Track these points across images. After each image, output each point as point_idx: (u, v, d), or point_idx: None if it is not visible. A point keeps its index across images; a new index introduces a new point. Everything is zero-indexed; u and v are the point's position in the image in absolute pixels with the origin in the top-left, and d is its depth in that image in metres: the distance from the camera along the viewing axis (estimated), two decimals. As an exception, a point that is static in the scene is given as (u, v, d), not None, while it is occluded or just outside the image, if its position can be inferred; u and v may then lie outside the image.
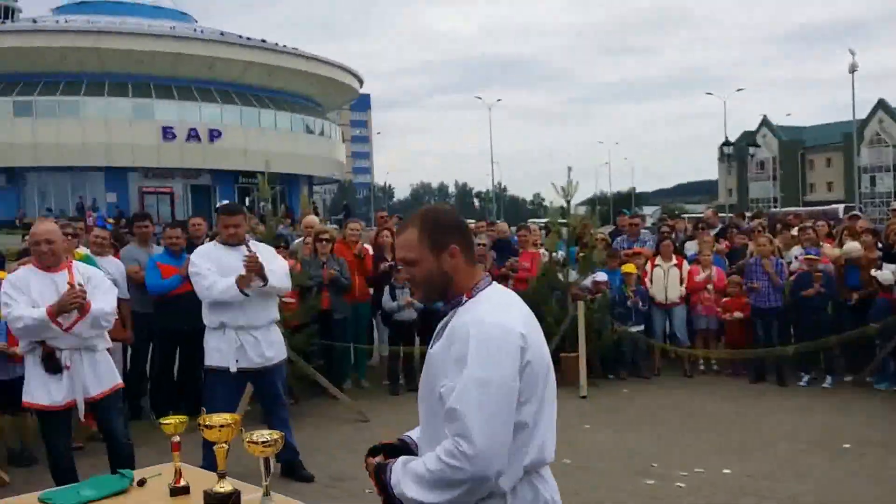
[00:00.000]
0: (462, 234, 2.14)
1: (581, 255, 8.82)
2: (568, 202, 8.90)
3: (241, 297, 5.08)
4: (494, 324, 1.97)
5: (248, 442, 2.81)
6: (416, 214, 2.19)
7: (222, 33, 44.25)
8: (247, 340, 5.15)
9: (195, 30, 44.36)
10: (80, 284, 4.41)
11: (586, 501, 4.93)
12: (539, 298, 8.01)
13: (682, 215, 20.67)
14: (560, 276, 8.61)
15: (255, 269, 5.05)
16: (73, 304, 4.34)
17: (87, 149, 38.50)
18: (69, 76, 39.39)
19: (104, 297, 4.55)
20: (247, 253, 5.10)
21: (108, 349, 4.73)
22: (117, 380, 4.71)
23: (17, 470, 5.58)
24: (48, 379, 4.43)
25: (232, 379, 5.15)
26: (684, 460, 5.68)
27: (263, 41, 44.55)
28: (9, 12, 46.14)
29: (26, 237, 6.89)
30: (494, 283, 2.16)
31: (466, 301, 2.10)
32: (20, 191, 41.00)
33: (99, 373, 4.57)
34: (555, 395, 2.11)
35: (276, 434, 2.82)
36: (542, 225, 11.63)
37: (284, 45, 45.15)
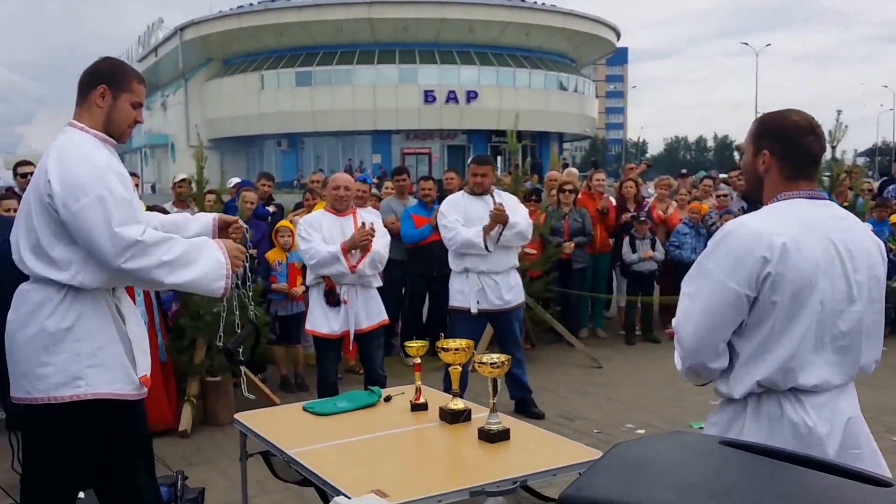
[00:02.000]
0: (783, 143, 2.12)
1: (844, 204, 8.20)
2: (833, 148, 8.28)
3: (483, 252, 5.39)
4: (746, 226, 2.03)
5: (478, 363, 3.05)
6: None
7: (484, -5, 45.17)
8: (487, 284, 5.47)
9: (459, -7, 45.61)
10: (370, 224, 4.97)
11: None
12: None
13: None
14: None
15: (502, 219, 5.33)
16: (362, 241, 4.90)
17: (357, 114, 41.19)
18: (344, 47, 42.00)
19: (380, 241, 5.07)
20: (494, 204, 5.38)
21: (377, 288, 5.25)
22: (384, 316, 5.22)
23: (287, 395, 6.24)
24: (328, 311, 5.02)
25: (472, 318, 5.50)
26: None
27: (522, 0, 44.90)
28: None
29: (305, 195, 7.78)
30: (799, 198, 2.09)
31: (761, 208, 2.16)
32: (298, 154, 44.99)
33: (370, 308, 5.12)
34: (844, 322, 2.04)
35: (503, 357, 3.05)
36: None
37: (543, 3, 45.17)
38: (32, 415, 2.71)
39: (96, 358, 2.70)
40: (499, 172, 9.50)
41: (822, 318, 2.00)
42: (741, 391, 2.07)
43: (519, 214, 5.51)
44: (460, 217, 5.47)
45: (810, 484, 1.10)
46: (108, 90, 2.78)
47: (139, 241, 2.58)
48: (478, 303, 5.47)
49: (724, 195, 8.92)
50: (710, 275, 2.03)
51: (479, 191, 5.53)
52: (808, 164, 2.12)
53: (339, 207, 5.10)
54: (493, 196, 5.51)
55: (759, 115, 2.24)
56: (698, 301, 2.05)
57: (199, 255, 2.72)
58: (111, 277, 2.69)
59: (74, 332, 2.67)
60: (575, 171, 10.91)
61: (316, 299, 5.12)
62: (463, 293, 5.52)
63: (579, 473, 2.56)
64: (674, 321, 2.18)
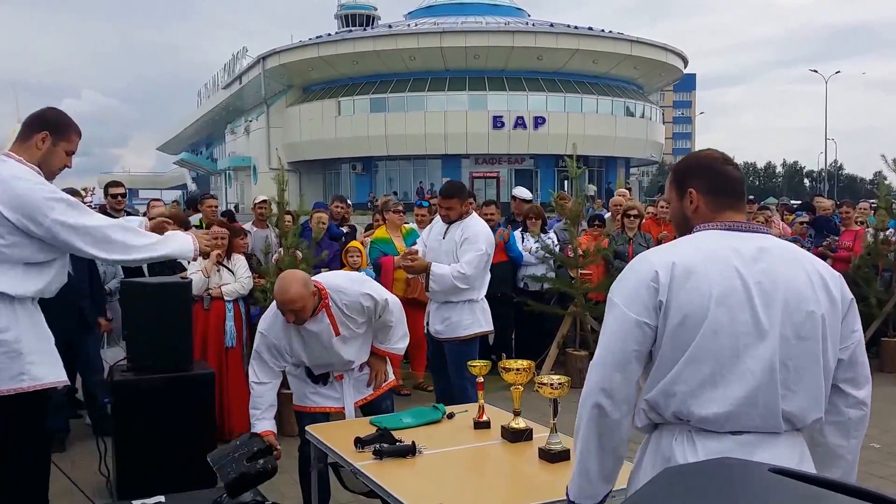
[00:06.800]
0: (705, 176, 2.09)
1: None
2: (896, 174, 8.16)
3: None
4: (641, 258, 2.04)
5: (539, 384, 3.08)
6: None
7: (551, 24, 45.36)
8: (431, 308, 5.36)
9: (527, 23, 46.04)
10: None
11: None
12: (861, 278, 7.52)
13: None
14: (889, 255, 7.96)
15: (410, 270, 5.24)
16: None
17: (428, 139, 42.05)
18: (416, 74, 43.00)
19: (396, 337, 4.05)
20: (408, 251, 5.31)
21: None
22: (388, 378, 4.14)
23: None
24: (312, 386, 4.02)
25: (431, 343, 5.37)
26: None
27: (590, 28, 45.00)
28: (370, 20, 51.89)
29: (374, 216, 7.96)
30: (716, 229, 2.03)
31: None
32: (372, 177, 46.04)
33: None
34: (752, 359, 1.90)
35: (563, 378, 3.09)
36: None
37: (610, 31, 45.18)
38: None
39: None
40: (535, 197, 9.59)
41: (718, 349, 1.90)
42: (639, 420, 2.04)
43: (465, 256, 5.05)
44: (425, 244, 5.44)
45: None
46: (48, 136, 3.23)
47: None
48: (427, 324, 5.40)
49: (805, 222, 8.79)
50: (615, 307, 2.01)
51: (447, 222, 5.34)
52: (734, 194, 2.08)
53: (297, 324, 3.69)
54: (460, 225, 5.26)
55: (672, 165, 2.22)
56: (605, 334, 2.02)
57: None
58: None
59: None
60: (624, 190, 11.01)
61: (294, 373, 4.03)
62: (429, 312, 5.43)
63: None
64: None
